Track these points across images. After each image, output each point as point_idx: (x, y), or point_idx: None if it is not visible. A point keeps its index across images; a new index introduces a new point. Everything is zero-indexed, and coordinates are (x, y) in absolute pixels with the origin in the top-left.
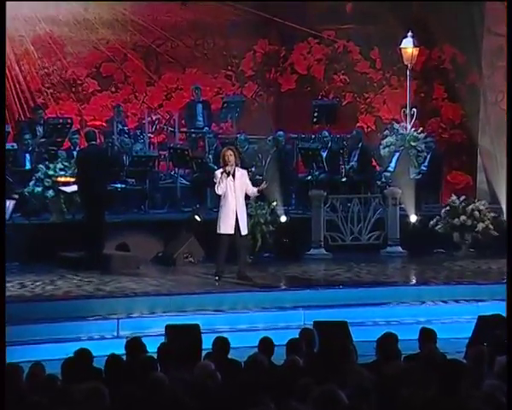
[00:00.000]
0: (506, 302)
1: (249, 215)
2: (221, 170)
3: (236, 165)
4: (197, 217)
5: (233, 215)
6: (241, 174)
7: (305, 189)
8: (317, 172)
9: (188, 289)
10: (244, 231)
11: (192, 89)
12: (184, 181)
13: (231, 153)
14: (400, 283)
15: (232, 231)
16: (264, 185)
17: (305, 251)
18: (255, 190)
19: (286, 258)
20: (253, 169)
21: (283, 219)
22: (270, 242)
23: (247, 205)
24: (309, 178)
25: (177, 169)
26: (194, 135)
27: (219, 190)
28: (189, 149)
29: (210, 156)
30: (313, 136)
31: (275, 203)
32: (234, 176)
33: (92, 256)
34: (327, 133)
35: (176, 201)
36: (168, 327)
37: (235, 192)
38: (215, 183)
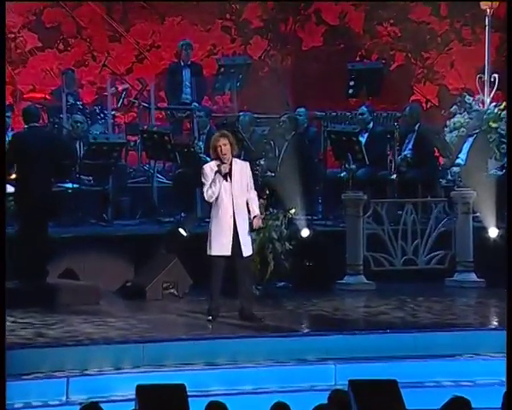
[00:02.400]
0: (506, 309)
1: (255, 228)
2: (212, 165)
3: (235, 157)
4: (182, 230)
5: (229, 229)
6: (241, 169)
7: (336, 190)
8: (353, 166)
9: (169, 335)
10: (247, 250)
11: (179, 47)
12: (164, 179)
13: (226, 141)
14: (475, 326)
15: (229, 252)
16: (259, 221)
17: (337, 279)
18: (254, 202)
19: (309, 289)
20: (262, 162)
21: (305, 233)
22: (287, 266)
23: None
24: (342, 174)
25: (153, 162)
26: (177, 113)
27: (210, 194)
28: (171, 133)
29: (200, 144)
30: (348, 114)
31: (293, 211)
32: (231, 174)
33: (30, 287)
34: (368, 110)
35: (151, 207)
36: (140, 388)
37: (232, 196)
38: (204, 183)
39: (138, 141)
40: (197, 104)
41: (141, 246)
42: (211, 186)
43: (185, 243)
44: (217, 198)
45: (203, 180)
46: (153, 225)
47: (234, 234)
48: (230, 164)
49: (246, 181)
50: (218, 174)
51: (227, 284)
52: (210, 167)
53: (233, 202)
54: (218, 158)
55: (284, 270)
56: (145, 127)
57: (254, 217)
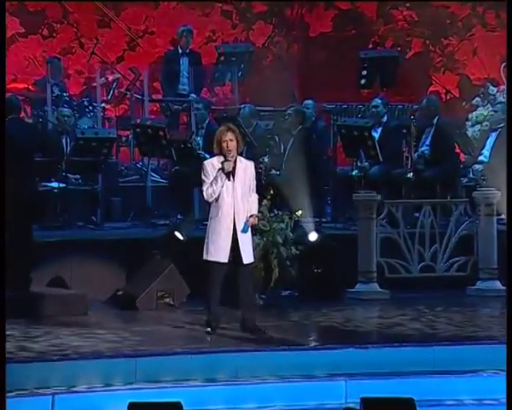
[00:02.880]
0: (506, 306)
1: (258, 231)
2: (214, 161)
3: (239, 154)
4: (178, 234)
5: (229, 232)
6: (246, 168)
7: (347, 190)
8: (366, 164)
9: (164, 348)
10: (248, 257)
11: (178, 33)
12: (158, 178)
13: (233, 137)
14: (499, 339)
15: (227, 258)
16: (254, 219)
17: (348, 287)
18: (254, 204)
19: (317, 298)
20: (266, 159)
21: (313, 237)
22: (293, 273)
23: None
24: (354, 172)
25: (146, 159)
26: (173, 106)
27: (210, 193)
28: (166, 127)
29: (198, 139)
30: (360, 107)
31: (300, 213)
32: (234, 172)
33: (12, 296)
34: (382, 102)
35: (145, 209)
36: (133, 406)
37: (234, 197)
38: (204, 181)
39: (130, 136)
40: (195, 96)
41: (133, 251)
42: (212, 184)
43: (182, 247)
44: (217, 198)
45: (203, 177)
46: (146, 228)
47: (234, 238)
48: (235, 162)
49: (249, 182)
50: (220, 172)
51: (227, 292)
52: (212, 164)
53: (234, 204)
54: (221, 154)
55: (290, 277)
56: (138, 121)
57: (251, 216)
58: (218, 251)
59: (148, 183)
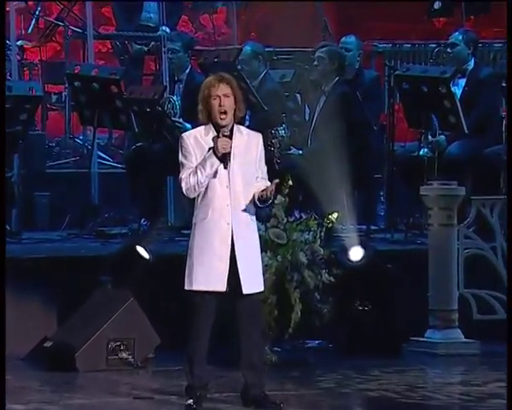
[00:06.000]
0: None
1: (268, 245)
2: (198, 134)
3: (238, 121)
4: (142, 250)
5: (225, 247)
6: (249, 143)
7: (410, 179)
8: (441, 138)
9: None
10: (251, 285)
11: None
12: (110, 160)
13: (227, 89)
14: None
15: (224, 286)
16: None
17: (413, 336)
18: (260, 190)
19: (364, 352)
20: (281, 131)
21: (357, 254)
22: (325, 312)
23: (258, 219)
24: (422, 152)
25: (90, 131)
26: (134, 45)
27: (192, 185)
28: (123, 80)
29: (175, 99)
30: (433, 46)
31: (335, 216)
32: (230, 151)
33: None
34: (465, 39)
35: (88, 210)
36: None
37: (231, 189)
38: (183, 165)
39: (65, 94)
40: (168, 29)
41: (69, 277)
42: (197, 172)
43: (148, 271)
44: (205, 192)
45: (181, 160)
46: (90, 240)
47: (232, 256)
48: (231, 132)
49: (254, 164)
50: (211, 153)
51: (221, 341)
52: (195, 138)
53: (232, 200)
54: (210, 121)
55: (320, 319)
56: (77, 70)
57: (263, 190)
58: (208, 275)
59: (93, 168)
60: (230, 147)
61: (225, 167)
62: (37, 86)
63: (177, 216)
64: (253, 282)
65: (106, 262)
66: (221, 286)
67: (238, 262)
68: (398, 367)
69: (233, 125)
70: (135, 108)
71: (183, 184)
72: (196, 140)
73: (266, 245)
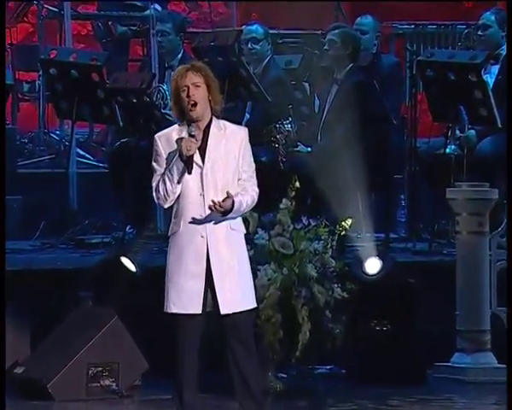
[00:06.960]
0: (507, 303)
1: (271, 255)
2: (171, 134)
3: (216, 114)
4: (127, 261)
5: (200, 262)
6: (227, 140)
7: (436, 180)
8: (471, 133)
9: None
10: (234, 303)
11: None
12: (91, 159)
13: (197, 78)
14: None
15: (198, 309)
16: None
17: (439, 360)
18: (246, 197)
19: (382, 379)
20: (287, 125)
21: (374, 267)
22: (337, 333)
23: (247, 228)
24: (449, 149)
25: (68, 126)
26: (118, 26)
27: (163, 196)
28: (105, 66)
29: (165, 88)
30: (461, 28)
31: (349, 223)
32: (205, 151)
33: None
34: (497, 19)
35: (66, 216)
36: None
37: (205, 196)
38: (154, 171)
39: (39, 82)
40: (158, 8)
41: (44, 293)
42: (165, 179)
43: (134, 286)
44: (177, 202)
45: (152, 164)
46: (68, 250)
47: (207, 272)
48: (207, 128)
49: (235, 165)
50: (177, 155)
51: (214, 366)
52: (167, 139)
53: (207, 210)
54: (180, 112)
55: (331, 340)
56: (53, 55)
57: (227, 198)
58: (180, 296)
59: (71, 168)
60: (204, 141)
61: (189, 173)
62: (7, 74)
63: (167, 223)
64: (234, 300)
65: (86, 276)
66: (195, 308)
67: (214, 280)
68: (420, 396)
69: (210, 121)
70: (119, 98)
71: (154, 194)
72: (168, 141)
73: (270, 256)
